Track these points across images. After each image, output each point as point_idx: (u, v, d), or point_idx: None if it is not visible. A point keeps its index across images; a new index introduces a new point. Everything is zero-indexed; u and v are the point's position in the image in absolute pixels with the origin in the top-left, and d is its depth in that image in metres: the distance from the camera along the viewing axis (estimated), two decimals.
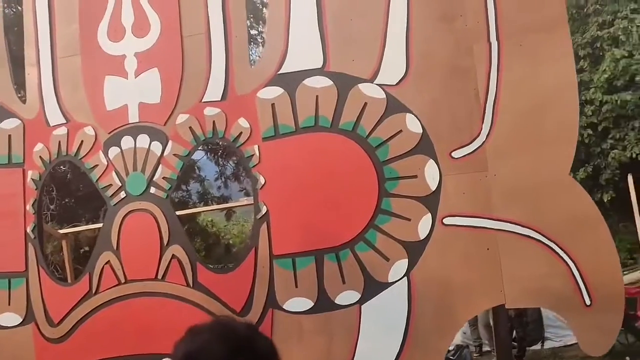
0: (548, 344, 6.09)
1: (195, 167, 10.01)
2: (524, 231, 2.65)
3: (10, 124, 3.33)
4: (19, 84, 3.50)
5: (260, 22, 9.40)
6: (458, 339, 6.02)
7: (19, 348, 3.19)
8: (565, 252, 2.60)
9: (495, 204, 2.70)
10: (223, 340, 1.20)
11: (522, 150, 2.69)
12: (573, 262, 2.59)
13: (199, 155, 10.36)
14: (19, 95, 3.42)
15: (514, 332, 5.69)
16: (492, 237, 2.69)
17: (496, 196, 2.70)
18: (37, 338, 3.17)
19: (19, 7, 3.48)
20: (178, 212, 5.40)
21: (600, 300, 2.54)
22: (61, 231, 5.45)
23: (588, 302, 2.56)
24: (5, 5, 3.57)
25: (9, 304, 3.22)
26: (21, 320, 3.20)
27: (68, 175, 8.56)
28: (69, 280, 4.92)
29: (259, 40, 9.57)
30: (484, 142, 2.74)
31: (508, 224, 2.67)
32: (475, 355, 6.04)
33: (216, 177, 10.42)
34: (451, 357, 4.50)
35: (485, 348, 6.30)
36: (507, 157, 2.71)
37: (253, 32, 9.36)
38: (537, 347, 6.06)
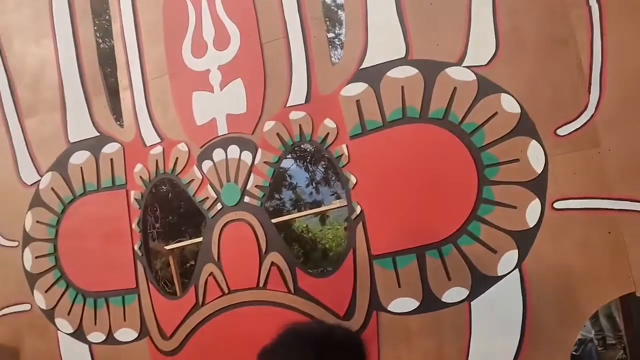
0: None
1: (286, 175, 10.17)
2: None
3: (111, 148, 3.49)
4: (118, 112, 3.68)
5: (337, 24, 9.38)
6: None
7: None
8: None
9: (613, 182, 2.43)
10: (302, 347, 1.14)
11: (638, 119, 2.41)
12: None
13: (288, 163, 10.53)
14: (118, 122, 3.60)
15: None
16: (612, 218, 2.42)
17: (613, 173, 2.44)
18: (153, 352, 3.29)
19: (112, 41, 3.65)
20: (273, 220, 5.48)
21: None
22: (167, 247, 5.68)
23: None
24: (101, 40, 3.75)
25: (125, 320, 3.37)
26: (137, 335, 3.34)
27: (169, 194, 9.00)
28: (178, 294, 5.13)
29: (337, 43, 9.56)
30: (592, 115, 2.48)
31: (630, 202, 2.40)
32: (599, 348, 5.57)
33: (307, 183, 10.53)
34: (574, 353, 4.16)
35: (610, 341, 5.80)
36: (621, 128, 2.43)
37: (330, 35, 9.37)
38: None
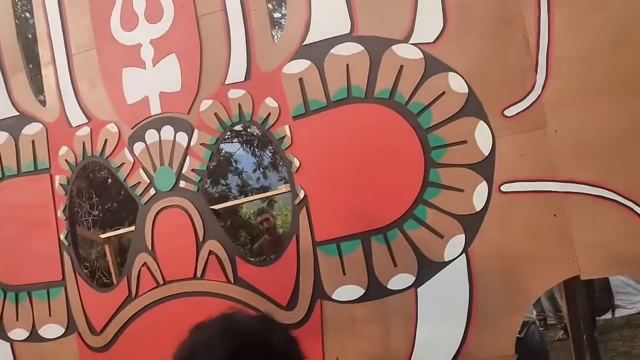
0: (619, 312, 5.68)
1: (232, 160, 9.91)
2: (595, 191, 2.33)
3: (33, 129, 3.20)
4: (38, 88, 3.38)
5: (283, 4, 9.14)
6: None
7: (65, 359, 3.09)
8: None
9: (560, 164, 2.39)
10: (225, 336, 0.99)
11: (586, 100, 2.36)
12: None
13: (234, 147, 10.25)
14: (39, 98, 3.30)
15: None
16: (558, 201, 2.38)
17: (559, 155, 2.39)
18: (82, 348, 3.06)
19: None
20: (216, 206, 5.28)
21: None
22: (102, 236, 5.39)
23: None
24: (20, 10, 3.42)
25: (50, 315, 3.12)
26: (64, 330, 3.10)
27: (109, 180, 8.59)
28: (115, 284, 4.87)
29: (283, 23, 9.31)
30: (539, 95, 2.42)
31: (576, 184, 2.36)
32: (540, 329, 5.69)
33: (254, 168, 10.30)
34: (518, 336, 4.17)
35: (550, 321, 5.95)
36: (568, 109, 2.38)
37: (277, 15, 9.12)
38: (608, 316, 5.66)
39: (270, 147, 10.13)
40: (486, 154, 2.47)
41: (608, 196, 2.32)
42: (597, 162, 2.35)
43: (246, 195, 9.99)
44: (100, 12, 3.11)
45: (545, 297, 5.61)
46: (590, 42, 2.34)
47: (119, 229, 6.09)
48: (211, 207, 5.06)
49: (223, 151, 9.88)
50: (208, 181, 10.35)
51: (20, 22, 3.44)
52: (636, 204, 2.29)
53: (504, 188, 2.45)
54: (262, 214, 5.76)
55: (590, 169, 2.35)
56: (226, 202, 9.60)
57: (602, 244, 2.33)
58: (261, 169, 10.45)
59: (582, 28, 2.37)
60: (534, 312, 5.86)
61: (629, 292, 5.50)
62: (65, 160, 3.13)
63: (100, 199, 7.29)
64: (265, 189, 10.43)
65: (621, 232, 2.31)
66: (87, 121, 3.10)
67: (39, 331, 3.14)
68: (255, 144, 10.19)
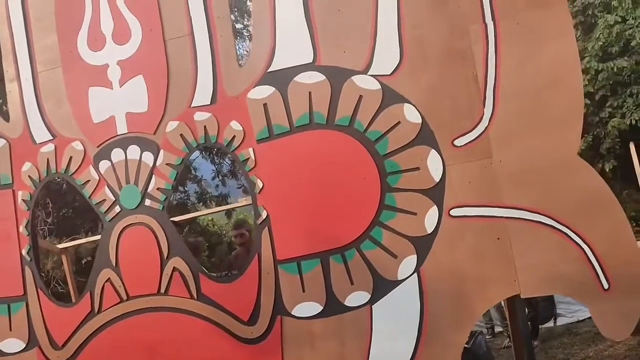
0: (561, 321, 6.03)
1: (191, 168, 9.89)
2: (534, 217, 2.55)
3: None
4: (3, 99, 3.38)
5: (245, 15, 9.23)
6: None
7: None
8: (578, 236, 2.50)
9: (503, 191, 2.60)
10: None
11: (527, 133, 2.58)
12: (588, 245, 2.49)
13: (193, 155, 10.20)
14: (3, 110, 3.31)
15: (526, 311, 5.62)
16: (502, 225, 2.59)
17: (503, 183, 2.60)
18: None
19: None
20: (177, 218, 5.32)
21: (618, 283, 2.46)
22: (59, 246, 5.34)
23: (606, 286, 2.47)
24: None
25: (10, 330, 3.14)
26: (24, 345, 3.13)
27: (63, 187, 8.44)
28: (72, 295, 4.84)
29: (245, 34, 9.40)
30: (486, 127, 2.63)
31: (517, 210, 2.58)
32: (487, 337, 5.97)
33: (213, 176, 10.30)
34: (466, 346, 4.41)
35: (498, 329, 6.24)
36: (511, 141, 2.60)
37: (239, 26, 9.18)
38: (550, 324, 6.01)
39: (229, 155, 10.14)
40: (437, 180, 2.66)
41: (545, 222, 2.54)
42: (536, 190, 2.57)
43: (205, 203, 9.99)
44: (66, 30, 3.16)
45: (494, 306, 5.88)
46: (529, 81, 2.57)
47: (75, 238, 6.03)
48: (171, 219, 5.12)
49: None
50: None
51: None
52: (570, 229, 2.52)
53: (453, 212, 2.64)
54: (237, 228, 5.57)
55: (530, 197, 2.57)
56: (184, 208, 9.60)
57: (540, 265, 2.55)
58: (220, 176, 10.46)
59: (525, 67, 2.60)
60: (483, 320, 6.12)
61: (569, 301, 5.82)
62: (29, 176, 3.16)
63: (55, 206, 7.19)
64: (224, 196, 10.45)
65: (557, 255, 2.53)
66: (51, 138, 3.14)
67: None
68: (214, 152, 10.20)
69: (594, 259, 2.49)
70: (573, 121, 2.55)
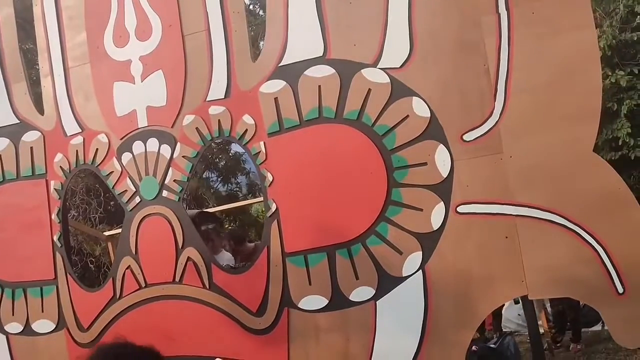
0: None
1: (241, 161, 10.11)
2: (545, 215, 2.45)
3: (32, 136, 3.42)
4: (38, 95, 3.59)
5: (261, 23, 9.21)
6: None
7: (54, 353, 3.31)
8: (592, 236, 2.38)
9: (513, 188, 2.50)
10: None
11: (539, 128, 2.47)
12: (602, 246, 2.37)
13: (242, 149, 10.38)
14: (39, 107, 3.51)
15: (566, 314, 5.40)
16: (510, 223, 2.50)
17: (513, 179, 2.50)
18: (70, 343, 3.28)
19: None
20: (210, 209, 5.47)
21: (634, 287, 2.32)
22: (106, 233, 5.61)
23: (620, 290, 2.34)
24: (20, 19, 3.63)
25: (43, 311, 3.34)
26: (54, 326, 3.32)
27: None
28: None
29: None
30: (497, 122, 2.54)
31: (527, 208, 2.48)
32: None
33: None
34: (492, 345, 4.29)
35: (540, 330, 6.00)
36: (523, 136, 2.50)
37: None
38: (598, 327, 5.71)
39: None
40: (445, 176, 2.59)
41: (557, 221, 2.43)
42: (548, 188, 2.46)
43: (254, 194, 10.16)
44: (95, 28, 3.30)
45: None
46: (543, 74, 2.45)
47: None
48: (205, 209, 5.26)
49: (232, 151, 10.08)
50: (218, 179, 10.57)
51: (22, 34, 3.64)
52: (583, 229, 2.40)
53: (460, 209, 2.57)
54: None
55: (542, 194, 2.46)
56: (236, 200, 9.81)
57: (550, 266, 2.44)
58: None
59: (539, 59, 2.48)
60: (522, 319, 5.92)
61: None
62: (60, 166, 3.34)
63: (106, 196, 7.53)
64: None
65: (568, 256, 2.41)
66: (80, 131, 3.30)
67: (32, 326, 3.36)
68: None
69: (608, 261, 2.36)
70: (589, 116, 2.41)
